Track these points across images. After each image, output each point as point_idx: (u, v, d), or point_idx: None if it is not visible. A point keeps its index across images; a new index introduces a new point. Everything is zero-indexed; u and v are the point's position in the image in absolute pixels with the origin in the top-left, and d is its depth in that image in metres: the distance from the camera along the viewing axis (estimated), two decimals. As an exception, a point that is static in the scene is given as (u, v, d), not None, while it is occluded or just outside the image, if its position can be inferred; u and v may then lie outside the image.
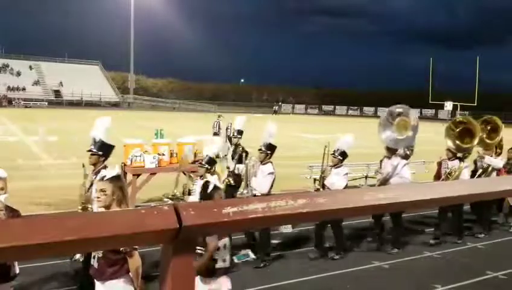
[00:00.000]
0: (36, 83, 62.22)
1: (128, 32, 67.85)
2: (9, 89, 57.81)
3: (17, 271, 3.98)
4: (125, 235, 0.82)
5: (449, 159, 7.87)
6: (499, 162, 8.46)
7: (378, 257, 6.89)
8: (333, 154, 6.96)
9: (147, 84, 77.16)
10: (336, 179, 6.79)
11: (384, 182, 7.33)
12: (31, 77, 62.94)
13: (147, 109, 60.12)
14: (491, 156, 8.43)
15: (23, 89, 59.18)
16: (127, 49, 69.04)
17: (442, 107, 63.86)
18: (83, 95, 59.49)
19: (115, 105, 61.22)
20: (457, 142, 7.87)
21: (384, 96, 77.93)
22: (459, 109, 61.08)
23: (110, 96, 64.32)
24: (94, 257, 3.68)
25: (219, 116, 20.24)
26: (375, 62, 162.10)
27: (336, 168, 6.94)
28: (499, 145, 8.70)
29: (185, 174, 8.27)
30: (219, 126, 19.32)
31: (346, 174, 6.98)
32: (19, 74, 62.55)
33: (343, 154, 6.97)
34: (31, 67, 64.84)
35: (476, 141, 7.73)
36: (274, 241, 7.02)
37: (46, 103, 56.21)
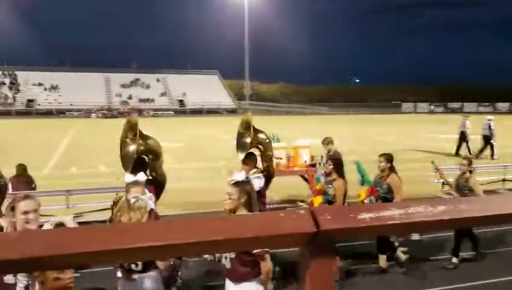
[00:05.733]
0: (163, 94, 67.64)
1: (243, 41, 70.61)
2: (140, 100, 63.69)
3: None
4: (265, 237, 0.86)
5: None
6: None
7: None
8: None
9: (261, 90, 79.36)
10: None
11: None
12: (158, 88, 68.64)
13: (262, 114, 61.77)
14: (246, 172, 5.48)
15: (152, 100, 64.75)
16: (241, 58, 71.86)
17: None
18: (204, 104, 63.16)
19: (232, 111, 63.99)
20: None
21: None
22: None
23: (227, 103, 67.37)
24: (226, 258, 3.76)
25: (465, 116, 19.44)
26: (500, 56, 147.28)
27: None
28: (265, 157, 5.92)
29: (305, 179, 8.35)
30: (465, 126, 18.46)
31: None
32: (148, 86, 68.60)
33: None
34: (158, 80, 70.70)
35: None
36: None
37: (172, 112, 60.80)
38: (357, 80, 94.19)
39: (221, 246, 0.91)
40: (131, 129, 4.70)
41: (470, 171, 6.53)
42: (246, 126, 5.94)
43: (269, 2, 78.99)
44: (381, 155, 6.46)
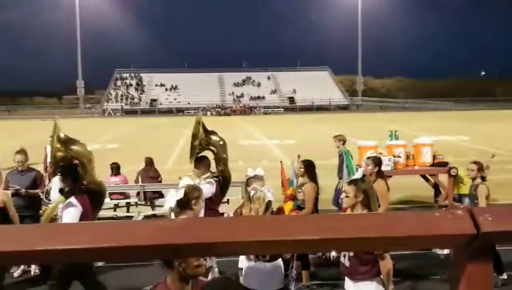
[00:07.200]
0: (273, 91, 68.90)
1: (356, 35, 69.00)
2: (251, 98, 65.61)
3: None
4: (421, 236, 0.84)
5: None
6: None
7: None
8: None
9: (375, 85, 77.00)
10: None
11: None
12: (268, 86, 70.10)
13: (376, 110, 59.84)
14: (197, 176, 5.23)
15: (263, 97, 66.31)
16: (354, 52, 70.31)
17: None
18: (314, 100, 63.02)
19: (344, 108, 62.96)
20: None
21: None
22: None
23: (339, 99, 66.44)
24: (345, 256, 3.77)
25: None
26: None
27: None
28: (219, 160, 5.46)
29: (426, 179, 7.92)
30: None
31: None
32: (259, 84, 70.39)
33: None
34: (268, 78, 72.19)
35: None
36: None
37: (282, 109, 61.66)
38: (483, 73, 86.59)
39: (373, 244, 0.90)
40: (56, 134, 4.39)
41: (482, 178, 5.53)
42: (197, 127, 5.45)
43: (383, -7, 76.19)
44: (368, 158, 5.71)
